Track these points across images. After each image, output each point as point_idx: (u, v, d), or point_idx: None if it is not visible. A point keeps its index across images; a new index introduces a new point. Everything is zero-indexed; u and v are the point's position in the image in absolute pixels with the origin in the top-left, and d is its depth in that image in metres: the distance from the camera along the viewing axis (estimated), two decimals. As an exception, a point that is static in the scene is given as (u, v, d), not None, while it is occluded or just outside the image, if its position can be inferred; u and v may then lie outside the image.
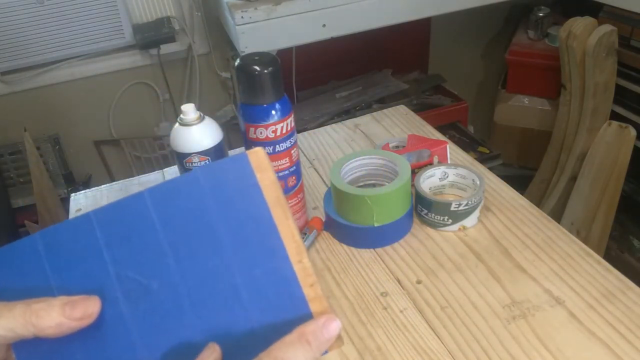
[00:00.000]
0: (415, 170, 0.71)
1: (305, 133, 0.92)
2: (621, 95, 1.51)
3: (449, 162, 0.75)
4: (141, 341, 0.30)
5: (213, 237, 0.30)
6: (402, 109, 0.95)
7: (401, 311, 0.55)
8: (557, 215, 1.57)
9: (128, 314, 0.30)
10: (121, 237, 0.30)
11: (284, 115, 0.60)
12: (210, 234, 0.30)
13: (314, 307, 0.30)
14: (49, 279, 0.30)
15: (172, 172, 0.86)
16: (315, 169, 0.82)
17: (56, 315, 0.28)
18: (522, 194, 0.70)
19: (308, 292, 0.30)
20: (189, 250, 0.30)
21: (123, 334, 0.30)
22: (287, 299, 0.30)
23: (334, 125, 0.93)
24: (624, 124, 1.38)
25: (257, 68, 0.57)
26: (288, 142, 0.62)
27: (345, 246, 0.65)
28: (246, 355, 0.29)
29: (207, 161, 0.64)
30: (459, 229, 0.65)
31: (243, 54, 0.67)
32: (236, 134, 1.71)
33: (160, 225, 0.30)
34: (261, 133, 0.60)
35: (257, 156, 0.31)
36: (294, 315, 0.30)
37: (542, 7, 1.73)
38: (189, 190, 0.30)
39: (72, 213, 0.80)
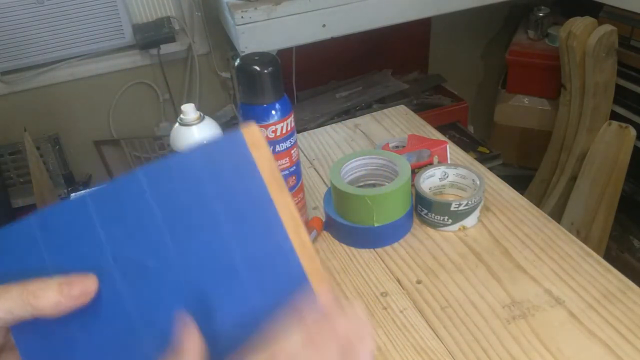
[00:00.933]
0: (415, 170, 0.71)
1: (305, 133, 0.92)
2: (621, 95, 1.51)
3: (449, 162, 0.75)
4: (140, 319, 0.30)
5: (209, 215, 0.30)
6: (402, 109, 0.95)
7: (401, 311, 0.55)
8: (557, 215, 1.57)
9: (125, 292, 0.30)
10: (117, 218, 0.30)
11: (284, 115, 0.60)
12: (207, 212, 0.30)
13: (313, 280, 0.30)
14: (45, 261, 0.30)
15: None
16: (315, 169, 0.82)
17: (53, 295, 0.28)
18: (522, 194, 0.70)
19: (307, 265, 0.30)
20: (186, 228, 0.30)
21: (121, 313, 0.30)
22: (286, 274, 0.30)
23: (334, 125, 0.93)
24: (624, 124, 1.38)
25: (257, 68, 0.57)
26: (288, 142, 0.62)
27: (345, 246, 0.65)
28: (245, 331, 0.29)
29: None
30: (459, 229, 0.65)
31: (243, 54, 0.67)
32: (236, 134, 1.70)
33: (156, 204, 0.30)
34: (261, 133, 0.60)
35: (252, 133, 0.30)
36: (293, 290, 0.29)
37: (542, 7, 1.73)
38: (184, 169, 0.30)
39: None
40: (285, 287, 0.30)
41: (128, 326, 0.30)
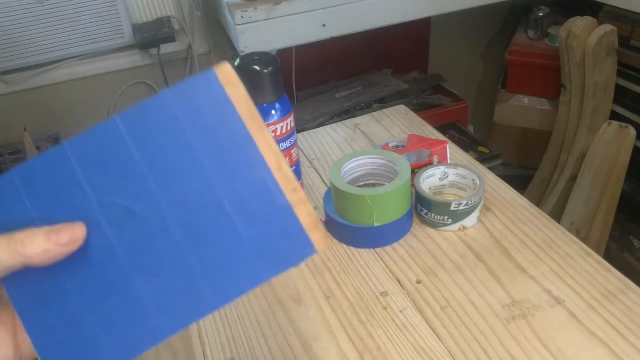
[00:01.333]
0: (415, 170, 0.71)
1: (305, 133, 0.92)
2: (621, 95, 1.51)
3: (449, 162, 0.75)
4: (131, 263, 0.30)
5: (190, 156, 0.30)
6: (402, 109, 0.95)
7: (401, 311, 0.55)
8: (557, 215, 1.57)
9: (114, 238, 0.30)
10: (98, 164, 0.30)
11: (284, 115, 0.60)
12: (187, 152, 0.30)
13: (299, 211, 0.30)
14: (31, 212, 0.30)
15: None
16: (315, 169, 0.82)
17: (42, 242, 0.28)
18: (522, 194, 0.70)
19: (291, 197, 0.30)
20: (169, 170, 0.30)
21: (112, 258, 0.30)
22: (272, 207, 0.30)
23: (334, 125, 0.93)
24: (624, 124, 1.38)
25: (257, 68, 0.57)
26: (288, 142, 0.62)
27: (345, 246, 0.65)
28: (238, 266, 0.30)
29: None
30: (459, 229, 0.65)
31: (243, 54, 0.67)
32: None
33: (136, 149, 0.30)
34: (261, 133, 0.60)
35: (225, 71, 0.30)
36: (281, 222, 0.30)
37: (542, 7, 1.73)
38: (161, 112, 0.30)
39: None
40: (272, 220, 0.30)
41: (118, 272, 0.30)
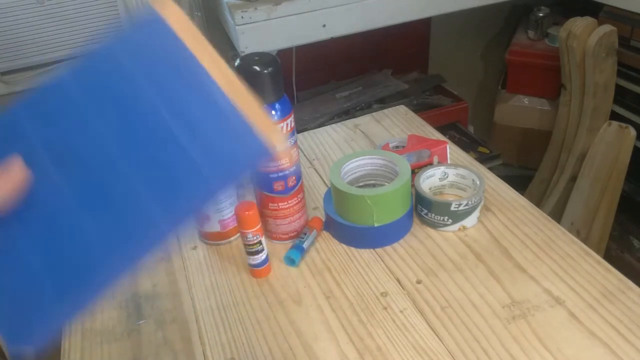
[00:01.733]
0: (415, 170, 0.71)
1: (305, 133, 0.92)
2: (621, 95, 1.51)
3: (449, 162, 0.75)
4: (78, 204, 0.30)
5: (138, 92, 0.30)
6: (402, 109, 0.96)
7: (401, 311, 0.55)
8: (557, 215, 1.57)
9: (61, 181, 0.30)
10: (46, 115, 0.31)
11: (284, 115, 0.60)
12: (135, 89, 0.30)
13: (249, 113, 0.30)
14: None
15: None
16: (315, 169, 0.82)
17: None
18: (522, 194, 0.70)
19: (238, 100, 0.30)
20: (117, 110, 0.30)
21: (61, 203, 0.30)
22: (218, 114, 0.29)
23: (334, 125, 0.93)
24: (624, 124, 1.38)
25: (257, 68, 0.57)
26: (288, 142, 0.62)
27: (345, 246, 0.65)
28: (190, 183, 0.29)
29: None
30: (459, 229, 0.65)
31: (243, 54, 0.67)
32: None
33: (82, 95, 0.31)
34: (261, 133, 0.60)
35: (162, 3, 0.31)
36: (230, 127, 0.29)
37: (542, 7, 1.73)
38: (108, 59, 0.31)
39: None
40: (221, 127, 0.29)
41: (67, 214, 0.29)
